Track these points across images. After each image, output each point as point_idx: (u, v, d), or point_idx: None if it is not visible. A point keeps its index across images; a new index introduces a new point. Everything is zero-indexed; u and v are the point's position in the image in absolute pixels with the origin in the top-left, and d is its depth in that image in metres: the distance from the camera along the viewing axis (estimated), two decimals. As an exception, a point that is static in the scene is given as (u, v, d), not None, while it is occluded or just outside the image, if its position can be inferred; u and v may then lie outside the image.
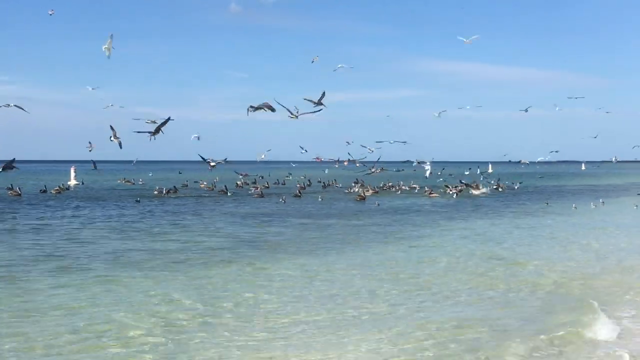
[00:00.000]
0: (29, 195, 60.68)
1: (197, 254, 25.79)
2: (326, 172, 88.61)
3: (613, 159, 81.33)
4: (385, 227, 35.85)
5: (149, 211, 45.25)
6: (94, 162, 59.74)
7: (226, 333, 14.66)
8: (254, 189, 67.31)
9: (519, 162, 78.02)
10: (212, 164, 46.95)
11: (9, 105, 26.34)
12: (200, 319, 15.82)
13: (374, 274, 21.73)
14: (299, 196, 59.78)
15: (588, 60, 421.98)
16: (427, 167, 71.49)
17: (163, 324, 15.35)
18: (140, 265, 23.01)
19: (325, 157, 66.06)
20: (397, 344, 13.83)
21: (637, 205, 48.63)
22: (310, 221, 38.70)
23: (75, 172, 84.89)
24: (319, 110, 27.29)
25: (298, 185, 72.45)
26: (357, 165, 54.49)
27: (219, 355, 13.22)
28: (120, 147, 27.37)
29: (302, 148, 61.58)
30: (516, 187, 76.23)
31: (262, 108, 24.67)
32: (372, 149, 47.37)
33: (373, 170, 62.56)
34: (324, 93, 27.37)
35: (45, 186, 66.17)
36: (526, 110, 58.13)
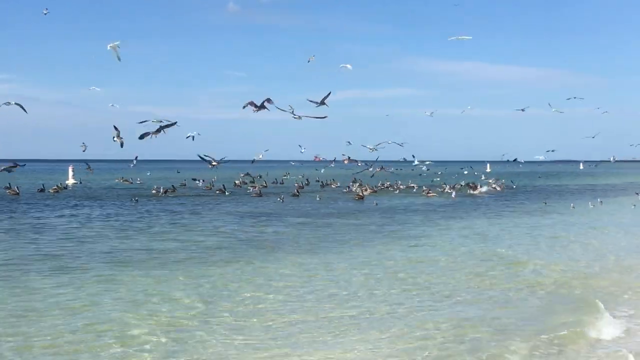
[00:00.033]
0: (26, 194, 60.60)
1: (196, 253, 25.78)
2: (322, 171, 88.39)
3: (611, 159, 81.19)
4: (384, 226, 35.85)
5: (147, 210, 45.19)
6: (87, 163, 59.75)
7: (226, 332, 14.67)
8: (252, 188, 67.24)
9: (515, 160, 77.84)
10: (214, 163, 46.96)
11: (9, 103, 26.30)
12: (200, 318, 15.82)
13: (373, 273, 21.73)
14: (297, 195, 59.77)
15: (588, 60, 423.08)
16: (424, 167, 71.70)
17: (163, 323, 15.36)
18: (140, 265, 23.00)
19: (323, 156, 65.94)
20: (397, 343, 13.84)
21: (635, 205, 48.69)
22: (309, 220, 38.69)
23: (73, 171, 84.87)
24: (324, 117, 27.33)
25: (296, 184, 72.45)
26: (359, 164, 54.51)
27: (218, 354, 13.23)
28: (122, 147, 27.44)
29: (301, 147, 61.50)
30: (514, 187, 76.32)
31: (264, 107, 24.64)
32: (372, 147, 47.32)
33: (375, 170, 62.59)
34: (329, 93, 27.44)
35: (43, 185, 66.08)
36: (523, 110, 58.02)
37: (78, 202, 52.52)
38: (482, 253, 26.00)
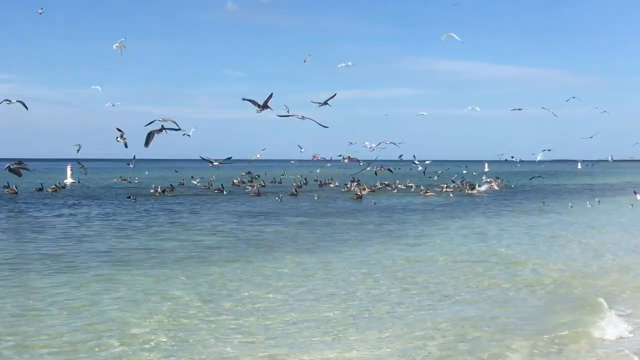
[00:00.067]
0: (25, 193, 60.54)
1: (194, 253, 25.79)
2: (318, 171, 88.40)
3: (609, 158, 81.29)
4: (383, 225, 35.87)
5: (146, 210, 45.17)
6: (80, 163, 59.67)
7: (225, 331, 14.67)
8: (250, 187, 67.25)
9: (511, 158, 78.02)
10: (215, 163, 46.93)
11: (10, 101, 26.31)
12: (199, 318, 15.81)
13: (372, 272, 21.72)
14: (296, 195, 59.78)
15: (588, 60, 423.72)
16: (420, 167, 71.66)
17: (162, 322, 15.35)
18: (138, 264, 23.00)
19: (322, 155, 65.97)
20: (396, 343, 13.82)
21: (632, 205, 48.72)
22: (308, 220, 38.70)
23: (71, 170, 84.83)
24: (325, 127, 27.50)
25: (294, 183, 72.44)
26: (361, 164, 54.53)
27: (217, 353, 13.22)
28: (126, 147, 27.67)
29: (301, 147, 61.51)
30: (512, 186, 76.40)
31: (267, 107, 24.69)
32: (373, 146, 47.36)
33: (375, 168, 62.62)
34: (334, 95, 27.67)
35: (41, 184, 66.01)
36: (520, 110, 58.07)
37: (76, 202, 52.52)
38: (481, 252, 26.02)
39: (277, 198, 54.39)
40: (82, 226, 34.98)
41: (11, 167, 24.87)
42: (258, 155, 55.65)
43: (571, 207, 47.89)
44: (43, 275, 20.82)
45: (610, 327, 14.87)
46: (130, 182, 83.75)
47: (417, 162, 69.96)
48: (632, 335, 14.69)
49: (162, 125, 22.92)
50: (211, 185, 70.99)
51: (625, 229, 34.45)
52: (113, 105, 44.78)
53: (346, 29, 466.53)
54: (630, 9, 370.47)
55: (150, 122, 23.95)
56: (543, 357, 13.08)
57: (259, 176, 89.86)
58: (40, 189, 63.75)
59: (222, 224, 36.13)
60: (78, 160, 58.24)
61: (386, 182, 70.71)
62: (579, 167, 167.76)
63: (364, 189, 62.07)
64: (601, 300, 16.93)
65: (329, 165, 75.25)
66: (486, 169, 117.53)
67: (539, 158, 67.56)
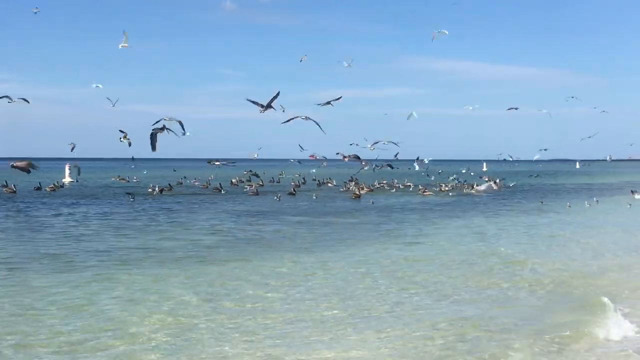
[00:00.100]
0: (23, 192, 60.50)
1: (193, 252, 25.77)
2: (314, 171, 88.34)
3: (608, 158, 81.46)
4: (382, 225, 35.87)
5: (144, 209, 45.15)
6: (74, 162, 59.71)
7: (223, 331, 14.65)
8: (249, 187, 67.27)
9: (509, 157, 78.18)
10: (217, 163, 47.09)
11: (11, 100, 26.38)
12: (198, 317, 15.78)
13: (371, 272, 21.70)
14: (294, 194, 59.78)
15: (588, 60, 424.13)
16: (417, 166, 71.82)
17: (162, 321, 15.32)
18: (137, 263, 22.98)
19: (320, 155, 65.94)
20: (396, 343, 13.80)
21: (630, 204, 48.79)
22: (306, 219, 38.70)
23: (69, 169, 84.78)
24: (324, 133, 27.99)
25: (293, 183, 72.43)
26: (363, 163, 54.63)
27: (217, 352, 13.20)
28: (129, 146, 28.14)
29: (302, 148, 61.48)
30: (511, 185, 76.48)
31: (271, 107, 24.84)
32: (373, 146, 47.45)
33: (373, 167, 62.78)
34: (339, 98, 28.19)
35: (39, 183, 65.97)
36: (515, 109, 58.18)
37: (75, 201, 52.48)
38: (480, 252, 26.02)
39: (275, 197, 54.38)
40: (81, 225, 34.95)
41: (15, 165, 24.92)
42: (255, 155, 55.71)
43: (569, 206, 47.93)
44: (42, 274, 20.78)
45: (614, 327, 14.80)
46: (128, 181, 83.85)
47: (417, 163, 70.12)
48: (637, 335, 14.64)
49: (164, 125, 23.01)
50: (209, 184, 71.03)
51: (624, 229, 34.48)
52: (113, 105, 44.77)
53: (346, 29, 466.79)
54: (630, 9, 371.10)
55: (157, 122, 24.07)
56: (545, 357, 13.03)
57: (257, 175, 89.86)
58: (39, 188, 63.69)
59: (221, 224, 36.14)
60: (74, 159, 58.20)
61: (384, 182, 70.75)
62: (577, 166, 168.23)
63: (362, 189, 62.10)
64: (605, 299, 16.92)
65: (325, 165, 75.33)
66: (484, 169, 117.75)
67: (536, 157, 67.68)
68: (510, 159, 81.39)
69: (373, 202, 50.95)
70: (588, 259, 24.76)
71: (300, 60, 40.25)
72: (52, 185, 64.97)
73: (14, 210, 43.44)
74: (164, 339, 13.97)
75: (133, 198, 53.55)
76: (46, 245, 27.33)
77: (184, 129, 24.47)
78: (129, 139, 27.38)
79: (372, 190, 63.42)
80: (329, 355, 13.05)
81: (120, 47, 26.31)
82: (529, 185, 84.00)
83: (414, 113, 47.16)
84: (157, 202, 51.93)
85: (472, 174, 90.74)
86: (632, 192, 57.84)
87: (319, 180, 78.04)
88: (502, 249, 26.82)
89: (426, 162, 78.38)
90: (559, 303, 17.48)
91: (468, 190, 66.08)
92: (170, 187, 65.64)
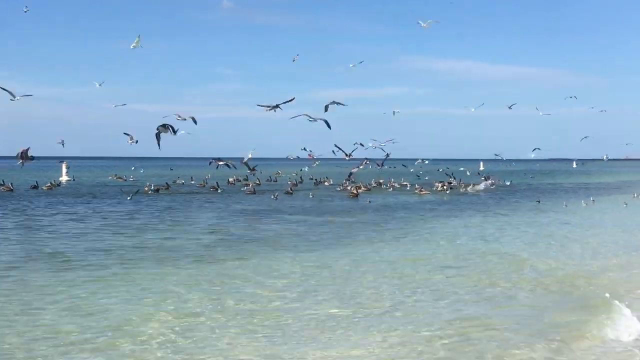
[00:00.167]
0: (19, 190, 60.50)
1: (192, 251, 25.74)
2: (306, 169, 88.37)
3: (604, 157, 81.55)
4: (380, 224, 35.85)
5: (142, 208, 45.09)
6: (63, 160, 59.68)
7: (225, 330, 14.60)
8: (245, 186, 67.27)
9: (503, 158, 78.33)
10: (221, 163, 47.10)
11: (13, 98, 26.53)
12: (200, 316, 15.76)
13: (370, 271, 21.66)
14: (291, 193, 59.76)
15: (588, 60, 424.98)
16: (412, 169, 71.95)
17: (163, 320, 15.29)
18: (137, 262, 22.92)
19: (317, 153, 65.94)
20: (396, 343, 13.77)
21: (626, 203, 48.87)
22: (304, 218, 38.70)
23: (67, 168, 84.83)
24: (328, 125, 28.64)
25: (290, 182, 72.44)
26: (366, 164, 54.79)
27: (218, 352, 13.18)
28: (137, 143, 28.77)
29: (306, 149, 61.58)
30: (508, 184, 76.57)
31: (278, 107, 25.16)
32: (376, 145, 47.60)
33: (369, 165, 62.86)
34: (343, 104, 28.75)
35: (36, 182, 65.97)
36: (510, 107, 58.32)
37: (72, 199, 52.44)
38: (479, 251, 25.98)
39: (272, 196, 54.41)
40: (78, 224, 34.91)
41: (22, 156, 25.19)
42: (250, 155, 55.62)
43: (566, 206, 47.98)
44: (41, 273, 20.73)
45: (616, 326, 14.78)
46: (125, 180, 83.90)
47: (418, 162, 70.32)
48: (636, 333, 14.60)
49: (165, 125, 23.19)
50: (206, 183, 71.06)
51: (621, 228, 34.53)
52: (115, 106, 45.08)
53: (346, 29, 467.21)
54: (630, 9, 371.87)
55: (165, 117, 24.29)
56: (546, 357, 12.98)
57: (254, 174, 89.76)
58: (36, 187, 63.72)
59: (218, 222, 36.13)
60: (60, 158, 58.17)
61: (381, 181, 70.78)
62: (574, 165, 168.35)
63: (360, 188, 62.13)
64: (607, 299, 16.90)
65: (318, 163, 75.41)
66: (481, 168, 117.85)
67: (532, 156, 67.82)
68: (502, 159, 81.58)
69: (370, 201, 50.95)
70: (587, 258, 24.75)
71: (293, 60, 40.30)
72: (49, 184, 64.97)
73: (11, 208, 43.35)
74: (165, 338, 13.94)
75: (130, 196, 53.55)
76: (44, 244, 27.28)
77: (195, 122, 24.77)
78: (134, 140, 27.80)
79: (369, 190, 63.43)
80: (329, 355, 13.04)
81: (131, 47, 26.51)
82: (527, 184, 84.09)
83: (397, 110, 48.42)
84: (154, 200, 51.91)
85: (467, 173, 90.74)
86: (635, 196, 57.80)
87: (316, 180, 78.07)
88: (501, 248, 26.83)
89: (426, 162, 78.60)
90: (559, 303, 17.44)
91: (465, 190, 66.12)
92: (168, 186, 65.65)
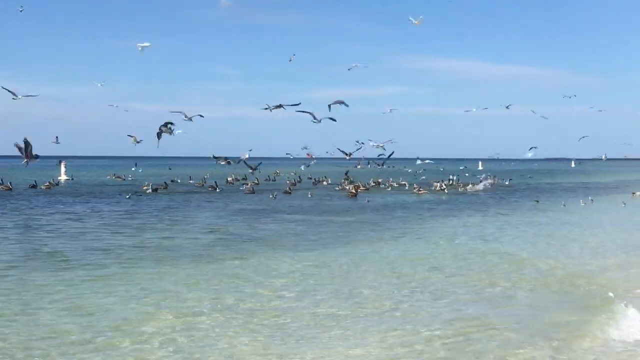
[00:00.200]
0: (18, 190, 60.46)
1: (191, 250, 25.72)
2: (302, 168, 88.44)
3: (603, 157, 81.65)
4: (379, 223, 35.84)
5: (140, 207, 45.08)
6: (60, 160, 59.67)
7: (225, 329, 14.58)
8: (244, 185, 67.25)
9: (497, 156, 78.38)
10: (223, 163, 47.17)
11: (16, 97, 26.59)
12: (200, 315, 15.75)
13: (370, 271, 21.65)
14: (289, 193, 59.73)
15: (588, 60, 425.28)
16: (410, 170, 72.03)
17: (164, 319, 15.28)
18: (136, 262, 22.89)
19: (316, 153, 66.08)
20: (397, 343, 13.77)
21: (625, 203, 48.92)
22: (303, 217, 38.70)
23: (65, 167, 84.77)
24: (334, 120, 29.01)
25: (288, 181, 72.43)
26: (368, 165, 54.91)
27: (219, 351, 13.18)
28: (140, 142, 29.19)
29: (306, 147, 61.61)
30: (507, 183, 76.60)
31: (282, 106, 25.40)
32: (377, 144, 47.71)
33: (368, 165, 63.09)
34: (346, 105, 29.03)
35: (35, 181, 65.93)
36: (507, 107, 58.39)
37: (70, 199, 52.40)
38: (479, 251, 25.98)
39: (271, 196, 54.40)
40: (77, 223, 34.89)
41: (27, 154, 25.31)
42: (247, 155, 55.74)
43: (564, 205, 48.01)
44: (40, 272, 20.70)
45: (618, 326, 14.74)
46: (124, 179, 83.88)
47: (419, 162, 70.40)
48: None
49: (167, 125, 23.39)
50: (205, 182, 71.08)
51: (620, 227, 34.59)
52: (116, 106, 45.24)
53: (346, 29, 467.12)
54: (630, 9, 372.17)
55: (173, 112, 24.51)
56: (546, 357, 12.97)
57: (252, 173, 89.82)
58: (34, 186, 63.68)
59: (217, 222, 36.12)
60: (59, 157, 58.12)
61: (379, 180, 70.81)
62: (573, 165, 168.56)
63: (358, 187, 62.13)
64: (613, 298, 16.90)
65: (314, 162, 75.46)
66: (480, 168, 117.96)
67: (529, 155, 67.80)
68: (498, 158, 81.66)
69: (369, 201, 50.99)
70: (587, 257, 24.77)
71: (290, 60, 40.32)
72: (47, 183, 64.92)
73: (9, 208, 43.30)
74: (165, 338, 13.92)
75: (129, 196, 53.55)
76: (43, 243, 27.26)
77: (202, 116, 25.09)
78: (138, 141, 28.12)
79: (367, 189, 63.46)
80: (329, 354, 13.04)
81: (138, 46, 26.71)
82: (525, 184, 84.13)
83: (392, 108, 48.59)
84: (153, 200, 51.88)
85: (466, 174, 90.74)
86: (634, 193, 57.86)
87: (314, 179, 78.10)
88: (501, 247, 26.83)
89: (427, 161, 78.65)
90: (560, 302, 17.42)
91: (463, 189, 66.15)
92: (166, 185, 65.63)
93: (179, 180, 76.61)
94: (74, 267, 21.92)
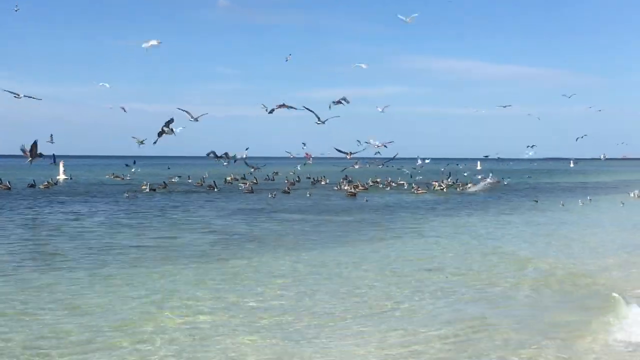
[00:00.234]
0: (16, 189, 60.39)
1: (191, 250, 25.69)
2: (298, 167, 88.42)
3: (601, 157, 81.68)
4: (378, 223, 35.84)
5: (139, 207, 45.06)
6: (54, 156, 59.50)
7: (225, 328, 14.61)
8: (243, 185, 67.19)
9: (495, 156, 78.39)
10: (225, 164, 47.10)
11: (18, 96, 26.61)
12: (202, 315, 15.77)
13: (370, 270, 21.66)
14: (288, 192, 59.68)
15: (588, 60, 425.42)
16: (407, 171, 72.18)
17: (164, 319, 15.28)
18: (136, 262, 22.87)
19: (314, 153, 65.94)
20: (397, 343, 13.78)
21: (623, 203, 48.93)
22: (302, 217, 38.68)
23: (64, 166, 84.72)
24: (337, 116, 29.27)
25: (287, 181, 72.37)
26: (367, 165, 54.90)
27: (220, 350, 13.18)
28: (143, 142, 29.59)
29: (304, 144, 61.43)
30: (505, 183, 76.66)
31: (285, 105, 25.49)
32: (379, 144, 47.66)
33: (382, 165, 63.19)
34: (345, 99, 29.14)
35: (34, 180, 65.88)
36: (505, 107, 58.43)
37: (69, 198, 52.38)
38: (479, 250, 25.98)
39: (270, 195, 54.38)
40: (76, 223, 34.86)
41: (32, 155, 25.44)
42: (244, 155, 55.67)
43: (562, 205, 48.02)
44: (41, 272, 20.69)
45: (623, 326, 14.70)
46: (123, 178, 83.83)
47: (419, 164, 70.51)
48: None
49: (169, 125, 23.47)
50: (204, 182, 71.04)
51: (618, 227, 34.61)
52: (119, 107, 45.20)
53: (346, 29, 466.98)
54: (630, 9, 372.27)
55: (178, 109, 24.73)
56: (547, 356, 12.95)
57: (251, 173, 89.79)
58: (33, 185, 63.65)
59: (217, 222, 36.10)
60: (53, 155, 57.93)
61: (378, 180, 70.77)
62: (571, 165, 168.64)
63: (357, 187, 62.11)
64: (617, 297, 16.90)
65: (310, 162, 75.32)
66: (478, 167, 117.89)
67: (530, 154, 67.84)
68: (496, 158, 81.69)
69: (367, 200, 50.99)
70: (586, 257, 24.77)
71: (286, 60, 40.22)
72: (46, 183, 64.87)
73: (9, 207, 43.24)
74: (165, 337, 13.93)
75: (128, 195, 53.54)
76: (42, 243, 27.26)
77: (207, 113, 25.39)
78: (142, 141, 28.36)
79: (366, 189, 63.46)
80: (329, 354, 13.05)
81: (146, 46, 26.78)
82: (524, 183, 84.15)
83: (386, 106, 48.35)
84: (151, 199, 51.83)
85: (465, 174, 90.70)
86: (638, 196, 57.82)
87: (313, 179, 78.09)
88: (501, 247, 26.83)
89: (427, 161, 78.67)
90: (560, 302, 17.42)
91: (462, 189, 66.15)
92: (165, 185, 65.58)
93: (174, 180, 76.35)
94: (74, 267, 21.92)
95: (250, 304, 17.02)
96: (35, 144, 29.08)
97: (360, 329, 14.78)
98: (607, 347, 13.61)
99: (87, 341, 13.68)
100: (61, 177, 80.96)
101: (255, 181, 72.46)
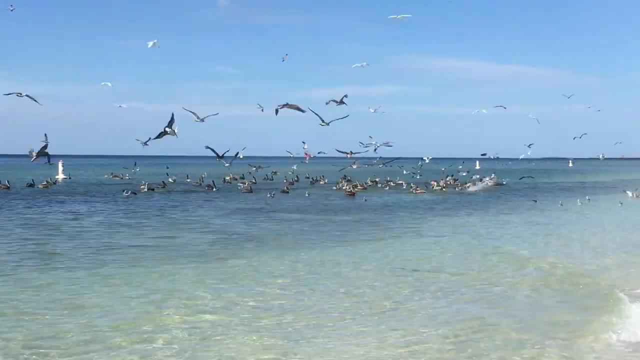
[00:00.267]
0: (15, 189, 60.35)
1: (190, 250, 25.66)
2: (294, 167, 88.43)
3: (600, 156, 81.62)
4: (377, 223, 35.82)
5: (138, 206, 45.02)
6: (48, 157, 59.48)
7: (229, 328, 14.60)
8: (242, 184, 67.17)
9: (495, 155, 78.37)
10: (227, 164, 47.04)
11: (21, 94, 26.62)
12: (203, 314, 15.77)
13: (370, 270, 21.64)
14: (287, 192, 59.67)
15: (588, 60, 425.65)
16: (406, 171, 72.24)
17: (164, 319, 15.27)
18: (136, 261, 22.84)
19: (314, 152, 65.90)
20: (397, 343, 13.77)
21: (621, 203, 48.97)
22: (301, 217, 38.66)
23: (63, 166, 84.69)
24: (346, 117, 29.41)
25: (286, 181, 72.34)
26: (367, 165, 54.77)
27: (223, 349, 13.18)
28: (147, 144, 30.14)
29: (304, 143, 61.37)
30: (504, 183, 76.65)
31: (291, 106, 25.54)
32: (376, 144, 47.64)
33: (381, 165, 63.15)
34: (345, 96, 29.21)
35: (32, 180, 65.84)
36: (504, 107, 58.37)
37: (68, 198, 52.35)
38: (478, 250, 25.97)
39: (269, 195, 54.37)
40: (75, 222, 34.85)
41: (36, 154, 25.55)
42: (241, 155, 55.69)
43: (561, 205, 48.03)
44: (41, 272, 20.66)
45: (624, 325, 14.72)
46: (122, 178, 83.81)
47: (420, 164, 70.47)
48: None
49: (171, 125, 23.49)
50: (202, 181, 71.03)
51: (616, 226, 34.69)
52: (120, 106, 45.17)
53: (345, 28, 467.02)
54: (630, 9, 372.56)
55: (192, 112, 24.87)
56: (548, 356, 12.95)
57: (250, 172, 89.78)
58: (32, 185, 63.62)
59: (216, 221, 36.07)
60: (48, 156, 57.85)
61: (377, 180, 70.74)
62: (570, 164, 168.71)
63: (356, 186, 62.11)
64: (621, 297, 16.86)
65: (307, 161, 75.33)
66: (477, 167, 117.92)
67: (528, 153, 67.81)
68: (492, 158, 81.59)
69: (366, 200, 50.98)
70: (586, 257, 24.78)
71: (282, 60, 40.14)
72: (45, 182, 64.83)
73: (8, 207, 43.21)
74: (166, 337, 13.92)
75: (128, 194, 53.52)
76: (41, 242, 27.22)
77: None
78: (147, 142, 28.59)
79: (365, 188, 63.45)
80: (329, 353, 13.04)
81: (150, 45, 27.04)
82: (523, 183, 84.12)
83: (378, 107, 48.22)
84: (150, 199, 51.80)
85: (463, 174, 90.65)
86: (638, 196, 57.85)
87: (312, 178, 78.10)
88: (500, 247, 26.82)
89: (427, 160, 78.69)
90: (560, 301, 17.42)
91: (461, 189, 66.16)
92: (164, 185, 65.57)
93: (171, 180, 76.27)
94: (73, 266, 21.89)
95: (250, 303, 17.01)
96: (45, 147, 29.26)
97: (360, 328, 14.78)
98: (609, 346, 13.60)
99: (87, 341, 13.66)
100: (60, 176, 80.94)
101: (254, 181, 72.42)
